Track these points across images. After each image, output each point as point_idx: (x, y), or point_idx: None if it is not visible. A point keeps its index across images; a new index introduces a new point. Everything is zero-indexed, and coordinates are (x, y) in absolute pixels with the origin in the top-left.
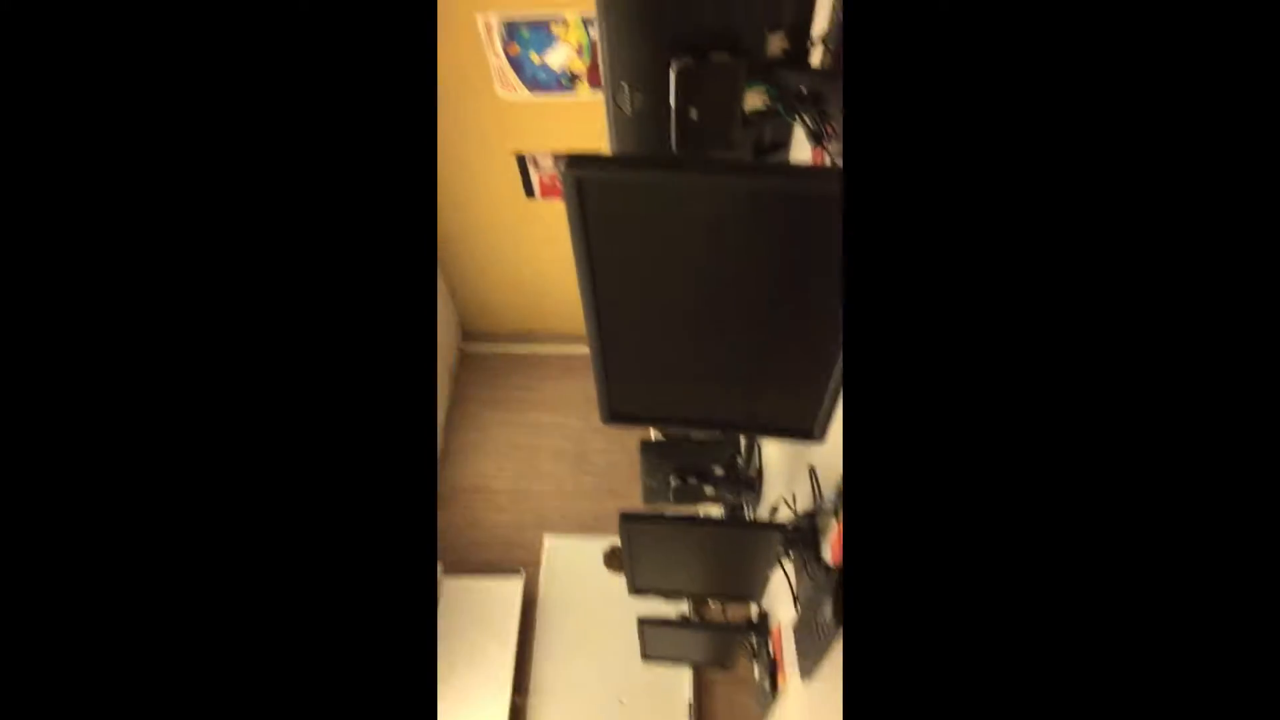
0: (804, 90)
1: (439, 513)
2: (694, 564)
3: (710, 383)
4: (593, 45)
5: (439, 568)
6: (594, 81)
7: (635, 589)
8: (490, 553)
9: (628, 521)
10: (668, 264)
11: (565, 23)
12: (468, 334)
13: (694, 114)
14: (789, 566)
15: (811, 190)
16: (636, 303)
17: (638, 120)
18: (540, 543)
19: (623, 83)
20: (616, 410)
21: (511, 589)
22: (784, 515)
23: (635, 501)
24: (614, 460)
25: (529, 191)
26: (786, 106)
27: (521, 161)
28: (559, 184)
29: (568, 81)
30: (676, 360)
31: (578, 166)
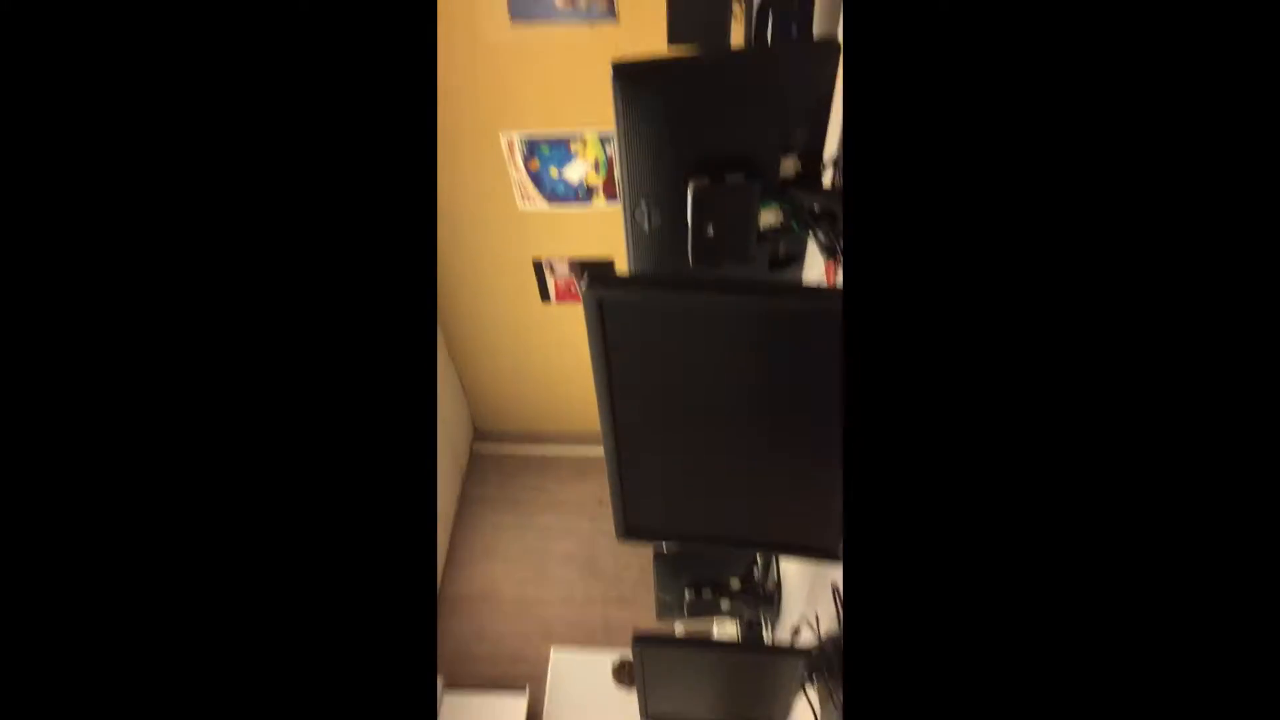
0: (816, 208)
1: (442, 622)
2: (711, 690)
3: (728, 499)
4: (609, 160)
5: (439, 682)
6: (609, 193)
7: (648, 716)
8: (494, 667)
9: (641, 645)
10: (686, 381)
11: (583, 140)
12: (480, 433)
13: (710, 231)
14: (812, 694)
15: (819, 308)
16: (654, 418)
17: (655, 236)
18: (546, 656)
19: (641, 201)
20: (632, 526)
21: (515, 708)
22: (806, 638)
23: (646, 609)
24: (625, 564)
25: (545, 296)
26: (800, 223)
27: (538, 268)
28: (574, 289)
29: (584, 194)
30: (694, 476)
31: (598, 286)
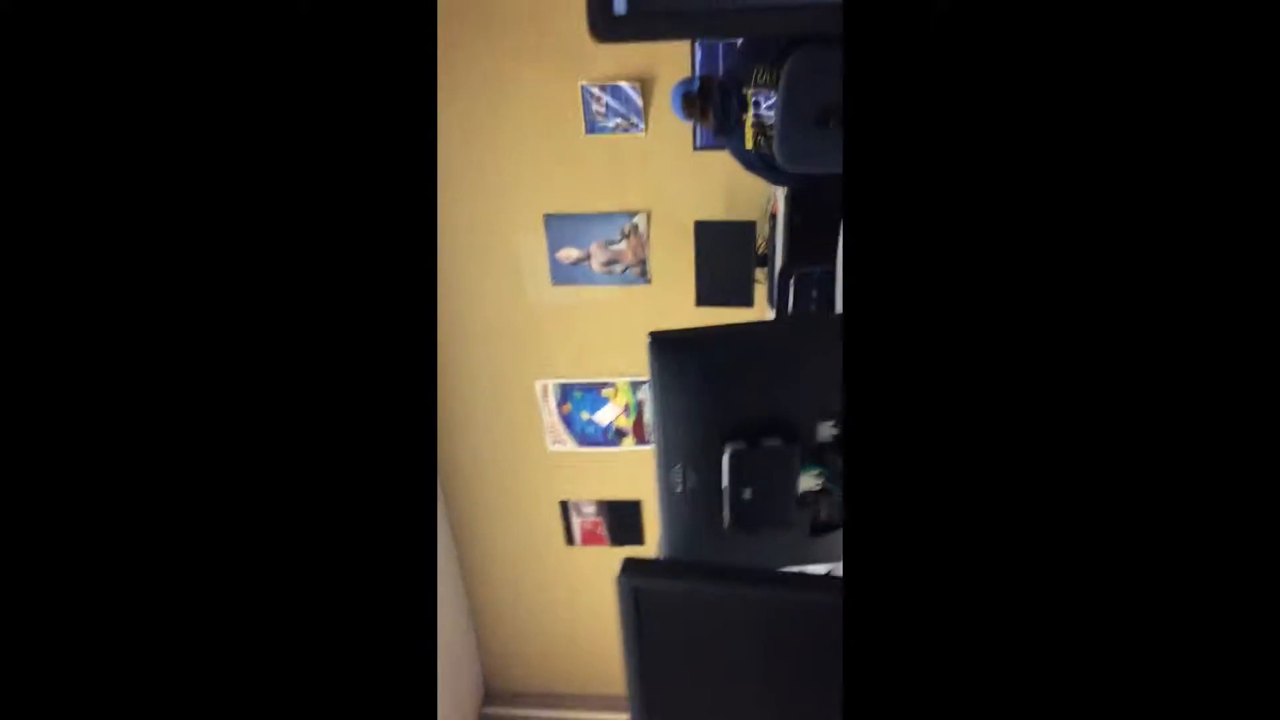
0: None
1: None
2: None
3: None
4: (639, 405)
5: None
6: (639, 436)
7: None
8: None
9: None
10: (727, 674)
11: (615, 387)
12: (490, 694)
13: (748, 495)
14: None
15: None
16: (692, 714)
17: (689, 498)
18: None
19: (676, 463)
20: None
21: None
22: None
23: None
24: None
25: (569, 539)
26: (840, 487)
27: (565, 508)
28: (599, 531)
29: (614, 436)
30: None
31: (632, 574)
